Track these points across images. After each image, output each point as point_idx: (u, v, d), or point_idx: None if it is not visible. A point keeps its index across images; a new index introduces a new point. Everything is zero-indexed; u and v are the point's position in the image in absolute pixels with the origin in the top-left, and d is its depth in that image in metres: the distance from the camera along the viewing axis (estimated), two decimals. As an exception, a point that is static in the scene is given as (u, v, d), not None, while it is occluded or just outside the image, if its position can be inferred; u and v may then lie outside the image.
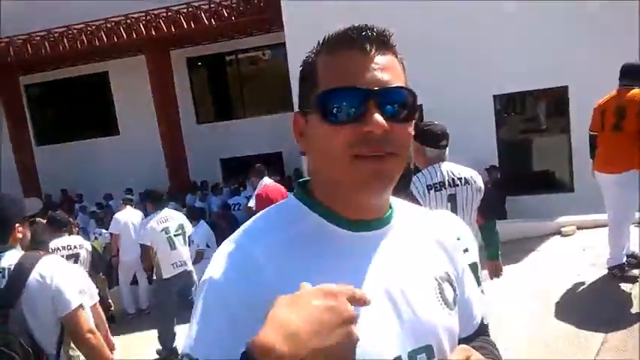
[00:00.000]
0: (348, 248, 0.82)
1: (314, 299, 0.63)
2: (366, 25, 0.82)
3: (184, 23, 10.90)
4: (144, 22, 11.32)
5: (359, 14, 7.92)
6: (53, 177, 13.76)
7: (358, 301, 0.65)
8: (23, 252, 2.33)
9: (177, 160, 12.01)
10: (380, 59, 0.79)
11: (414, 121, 0.82)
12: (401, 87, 0.80)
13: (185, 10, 11.13)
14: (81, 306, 2.30)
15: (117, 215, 7.86)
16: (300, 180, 0.92)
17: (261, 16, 10.92)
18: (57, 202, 13.24)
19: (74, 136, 14.47)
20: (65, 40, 11.89)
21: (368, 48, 0.79)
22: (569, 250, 5.60)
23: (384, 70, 0.79)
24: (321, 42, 0.86)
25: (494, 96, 9.32)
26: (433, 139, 2.98)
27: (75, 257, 5.24)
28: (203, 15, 10.92)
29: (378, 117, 0.76)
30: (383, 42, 0.81)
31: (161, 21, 11.15)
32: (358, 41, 0.79)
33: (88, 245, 5.66)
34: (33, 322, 2.17)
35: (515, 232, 6.35)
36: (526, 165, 10.17)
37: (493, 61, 8.39)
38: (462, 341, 0.92)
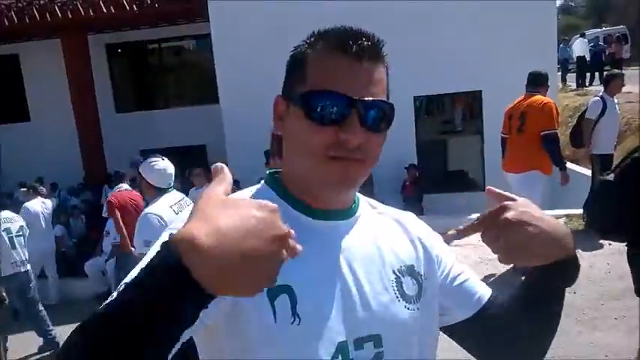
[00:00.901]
0: (311, 235, 0.83)
1: (248, 206, 0.61)
2: (364, 32, 0.86)
3: (103, 7, 10.42)
4: (59, 3, 10.70)
5: (284, 9, 7.96)
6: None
7: (288, 242, 0.62)
8: None
9: (93, 150, 11.48)
10: (370, 70, 0.83)
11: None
12: (384, 101, 0.85)
13: (105, -6, 10.65)
14: None
15: (27, 204, 7.48)
16: (271, 170, 0.96)
17: (187, 5, 10.66)
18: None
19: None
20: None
21: (361, 57, 0.82)
22: (481, 243, 5.94)
23: (372, 81, 0.83)
24: (316, 34, 0.88)
25: (415, 97, 9.67)
26: None
27: None
28: (124, 0, 10.49)
29: (358, 127, 0.81)
30: (376, 53, 0.85)
31: (79, 4, 10.59)
32: (354, 48, 0.82)
33: None
34: None
35: (432, 227, 6.64)
36: (443, 164, 10.65)
37: (414, 62, 8.70)
38: (469, 320, 0.95)
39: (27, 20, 10.82)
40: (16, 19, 10.83)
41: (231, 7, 9.43)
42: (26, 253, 5.75)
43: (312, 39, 0.87)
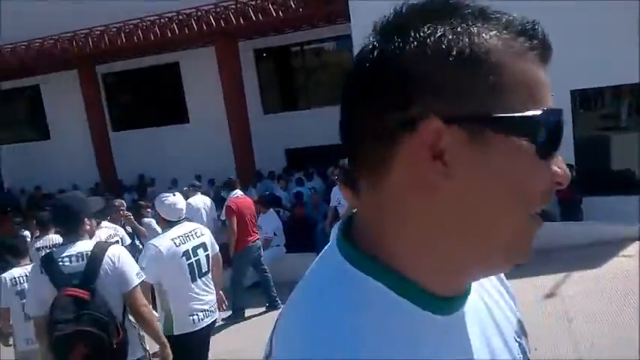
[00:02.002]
0: (438, 337, 0.57)
1: None
2: (538, 22, 0.57)
3: (252, 15, 11.03)
4: (214, 13, 11.55)
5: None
6: (127, 161, 14.41)
7: None
8: (92, 241, 2.92)
9: (243, 150, 12.24)
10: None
11: None
12: None
13: (253, 3, 11.26)
14: (138, 285, 2.87)
15: (189, 200, 8.14)
16: (343, 226, 0.63)
17: (328, 7, 10.87)
18: (132, 185, 13.86)
19: (147, 123, 15.07)
20: (140, 32, 12.32)
21: (548, 60, 0.57)
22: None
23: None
24: (500, 27, 0.54)
25: (572, 91, 8.85)
26: None
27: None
28: (271, 7, 11.00)
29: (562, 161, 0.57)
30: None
31: (230, 13, 11.33)
32: (545, 47, 0.56)
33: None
34: (106, 295, 2.72)
35: (593, 235, 6.05)
36: (605, 163, 9.63)
37: (568, 54, 7.96)
38: None
39: (186, 31, 11.84)
40: (177, 29, 11.90)
41: (371, 6, 9.39)
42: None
43: (498, 33, 0.54)
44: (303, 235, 8.67)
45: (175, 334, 3.54)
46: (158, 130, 14.85)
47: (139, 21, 12.23)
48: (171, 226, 3.78)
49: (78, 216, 2.85)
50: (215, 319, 3.97)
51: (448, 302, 0.59)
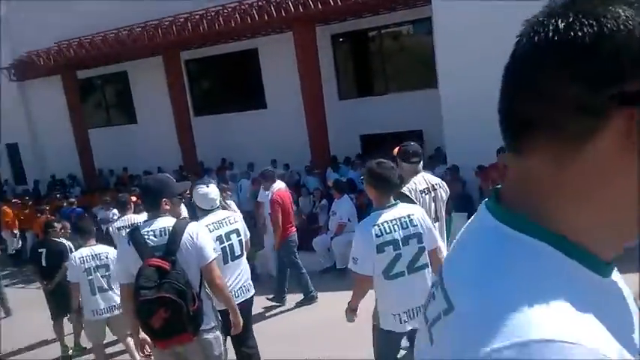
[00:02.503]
0: (602, 298, 0.61)
1: None
2: None
3: (331, 0, 11.00)
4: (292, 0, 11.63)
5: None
6: (207, 145, 14.94)
7: None
8: (173, 219, 3.21)
9: (318, 135, 12.33)
10: None
11: None
12: None
13: (332, -13, 11.23)
14: (214, 259, 3.17)
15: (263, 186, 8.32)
16: (493, 198, 0.69)
17: (408, -10, 10.67)
18: (210, 168, 14.38)
19: (227, 108, 15.53)
20: (221, 19, 12.65)
21: None
22: None
23: None
24: None
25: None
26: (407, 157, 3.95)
27: None
28: (350, -9, 10.93)
29: None
30: None
31: (309, -2, 11.35)
32: None
33: None
34: (185, 267, 3.00)
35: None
36: None
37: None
38: None
39: (265, 17, 12.02)
40: (257, 15, 12.11)
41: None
42: None
43: None
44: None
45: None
46: (237, 116, 15.26)
47: (220, 8, 12.55)
48: (206, 214, 4.12)
49: (158, 196, 3.17)
50: (252, 296, 4.31)
51: (608, 267, 0.65)
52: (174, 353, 3.13)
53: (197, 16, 12.95)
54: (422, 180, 3.92)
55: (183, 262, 3.02)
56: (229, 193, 8.38)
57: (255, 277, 7.77)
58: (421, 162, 4.03)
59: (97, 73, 17.51)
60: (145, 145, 16.67)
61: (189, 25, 13.11)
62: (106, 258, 5.24)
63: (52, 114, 17.86)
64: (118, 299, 5.12)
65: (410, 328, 3.22)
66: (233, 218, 4.32)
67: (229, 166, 14.39)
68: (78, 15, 15.46)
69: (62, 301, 5.97)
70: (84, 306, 5.37)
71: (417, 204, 3.64)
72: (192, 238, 3.07)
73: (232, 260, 4.10)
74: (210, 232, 3.85)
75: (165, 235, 3.06)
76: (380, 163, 3.34)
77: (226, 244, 4.06)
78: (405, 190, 3.73)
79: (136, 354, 5.09)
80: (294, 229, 7.08)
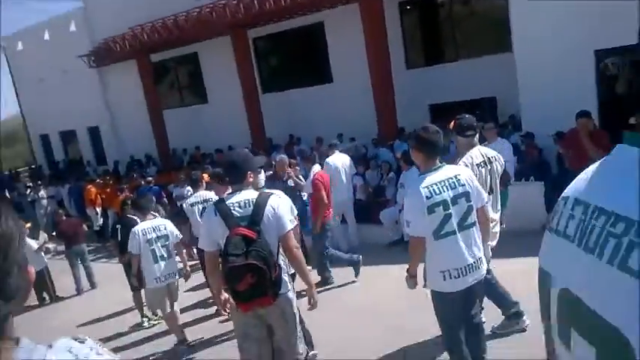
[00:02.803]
0: None
1: None
2: None
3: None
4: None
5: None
6: (276, 121, 15.09)
7: None
8: (255, 191, 3.42)
9: (385, 106, 12.09)
10: None
11: None
12: None
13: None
14: (292, 229, 3.35)
15: (328, 159, 8.28)
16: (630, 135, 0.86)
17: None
18: (278, 144, 14.52)
19: (294, 84, 15.58)
20: (286, -7, 12.61)
21: None
22: None
23: None
24: None
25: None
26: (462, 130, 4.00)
27: None
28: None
29: None
30: None
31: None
32: None
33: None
34: (267, 236, 3.21)
35: None
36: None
37: None
38: None
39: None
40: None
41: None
42: None
43: None
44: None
45: None
46: (304, 91, 15.28)
47: (285, -17, 12.51)
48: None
49: (243, 169, 3.38)
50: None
51: None
52: (255, 315, 3.34)
53: (263, -8, 12.98)
54: (478, 153, 3.97)
55: (265, 231, 3.22)
56: (297, 168, 8.43)
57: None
58: (477, 135, 4.06)
59: (169, 56, 18.07)
60: (215, 124, 17.10)
61: (255, 2, 13.17)
62: (165, 229, 5.81)
63: (128, 97, 18.69)
64: (176, 266, 5.87)
65: (460, 287, 3.31)
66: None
67: (297, 141, 14.47)
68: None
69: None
70: (146, 275, 5.81)
71: (476, 176, 3.67)
72: (274, 210, 3.26)
73: None
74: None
75: (249, 206, 3.26)
76: (425, 127, 3.47)
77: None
78: (461, 163, 3.83)
79: (177, 325, 5.88)
80: (330, 214, 7.07)
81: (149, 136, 17.53)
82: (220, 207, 3.30)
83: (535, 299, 0.96)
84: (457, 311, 3.47)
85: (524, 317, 4.40)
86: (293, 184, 7.65)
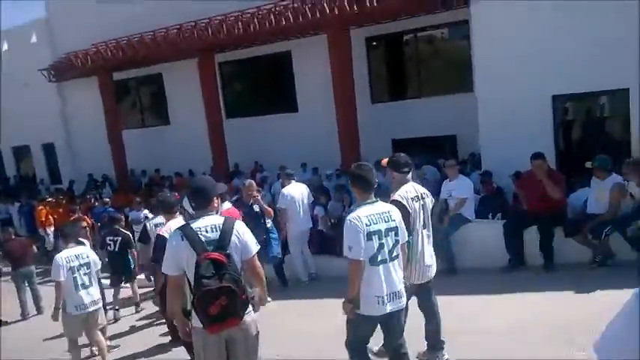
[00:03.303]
0: None
1: None
2: None
3: (367, 1, 10.87)
4: (327, 0, 11.55)
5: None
6: (239, 147, 14.97)
7: None
8: (219, 216, 3.52)
9: (349, 139, 12.19)
10: None
11: None
12: None
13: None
14: (257, 253, 3.48)
15: (284, 190, 8.22)
16: None
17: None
18: (241, 171, 14.39)
19: (259, 110, 15.57)
20: (256, 21, 12.67)
21: None
22: None
23: None
24: None
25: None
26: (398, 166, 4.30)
27: None
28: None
29: None
30: None
31: (345, 0, 11.25)
32: None
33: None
34: (234, 260, 3.30)
35: None
36: None
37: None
38: None
39: (300, 18, 11.98)
40: (292, 18, 12.09)
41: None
42: None
43: None
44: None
45: None
46: (268, 118, 15.28)
47: (255, 10, 12.59)
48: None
49: (210, 195, 3.49)
50: None
51: None
52: (218, 336, 3.39)
53: (232, 18, 13.00)
54: (412, 188, 4.26)
55: (233, 254, 3.34)
56: (263, 193, 8.34)
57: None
58: (410, 172, 4.36)
59: (132, 75, 17.79)
60: (177, 147, 16.83)
61: (224, 27, 13.17)
62: (87, 257, 5.85)
63: (87, 115, 18.23)
64: (97, 295, 5.91)
65: (388, 310, 3.60)
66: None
67: (260, 168, 14.39)
68: (115, 17, 15.77)
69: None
70: (67, 302, 5.73)
71: (410, 210, 4.07)
72: (240, 234, 3.38)
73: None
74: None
75: (216, 231, 3.34)
76: (359, 165, 3.86)
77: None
78: (396, 197, 4.13)
79: (106, 352, 5.94)
80: None
81: (107, 155, 17.06)
82: (187, 231, 3.35)
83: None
84: (371, 334, 3.85)
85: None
86: (258, 209, 7.56)
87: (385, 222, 3.60)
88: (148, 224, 6.62)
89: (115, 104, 16.95)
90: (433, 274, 4.36)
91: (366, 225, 3.51)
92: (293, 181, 8.38)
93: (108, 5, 16.22)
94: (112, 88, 16.80)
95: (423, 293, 4.39)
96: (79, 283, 5.67)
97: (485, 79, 9.31)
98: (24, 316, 8.89)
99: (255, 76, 15.98)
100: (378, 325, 3.76)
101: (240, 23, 12.90)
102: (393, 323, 3.73)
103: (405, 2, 11.07)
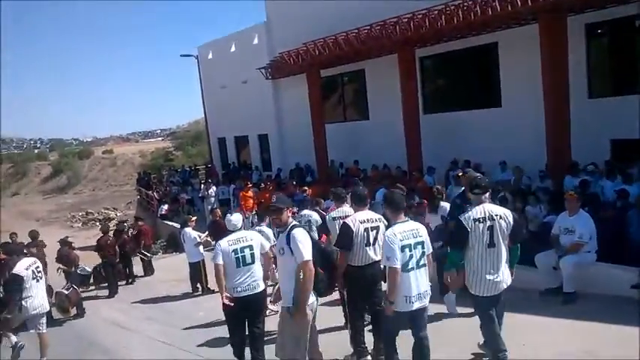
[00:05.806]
0: None
1: None
2: None
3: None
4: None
5: None
6: (435, 144, 14.61)
7: None
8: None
9: (558, 137, 10.96)
10: None
11: None
12: None
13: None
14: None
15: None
16: None
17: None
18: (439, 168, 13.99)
19: (457, 105, 14.99)
20: (460, 13, 12.15)
21: None
22: None
23: None
24: None
25: None
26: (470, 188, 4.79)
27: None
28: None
29: None
30: None
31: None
32: None
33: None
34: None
35: None
36: None
37: None
38: None
39: (509, 8, 11.12)
40: (499, 7, 11.29)
41: None
42: None
43: None
44: (615, 242, 7.26)
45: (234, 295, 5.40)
46: (468, 114, 14.63)
47: (460, 2, 12.08)
48: (229, 233, 5.67)
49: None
50: (260, 291, 5.56)
51: None
52: None
53: (435, 12, 12.69)
54: (482, 210, 4.56)
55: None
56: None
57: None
58: (486, 194, 4.68)
59: (338, 72, 18.60)
60: (374, 141, 17.16)
61: (427, 21, 12.92)
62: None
63: (296, 109, 19.64)
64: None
65: (414, 307, 4.43)
66: (249, 237, 5.69)
67: (453, 165, 13.82)
68: (323, 16, 16.63)
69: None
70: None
71: (468, 229, 4.51)
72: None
73: (244, 265, 5.49)
74: (229, 246, 5.49)
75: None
76: (392, 192, 5.03)
77: (240, 255, 5.48)
78: (461, 217, 4.64)
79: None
80: None
81: (310, 146, 18.18)
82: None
83: None
84: (402, 328, 4.66)
85: None
86: None
87: (414, 237, 4.47)
88: (327, 217, 6.73)
89: (320, 99, 17.92)
90: (501, 289, 4.64)
91: (400, 240, 4.38)
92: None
93: (317, 5, 17.18)
94: (318, 84, 17.78)
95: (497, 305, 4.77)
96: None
97: None
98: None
99: (457, 70, 15.39)
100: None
101: (443, 16, 12.52)
102: (417, 318, 4.54)
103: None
